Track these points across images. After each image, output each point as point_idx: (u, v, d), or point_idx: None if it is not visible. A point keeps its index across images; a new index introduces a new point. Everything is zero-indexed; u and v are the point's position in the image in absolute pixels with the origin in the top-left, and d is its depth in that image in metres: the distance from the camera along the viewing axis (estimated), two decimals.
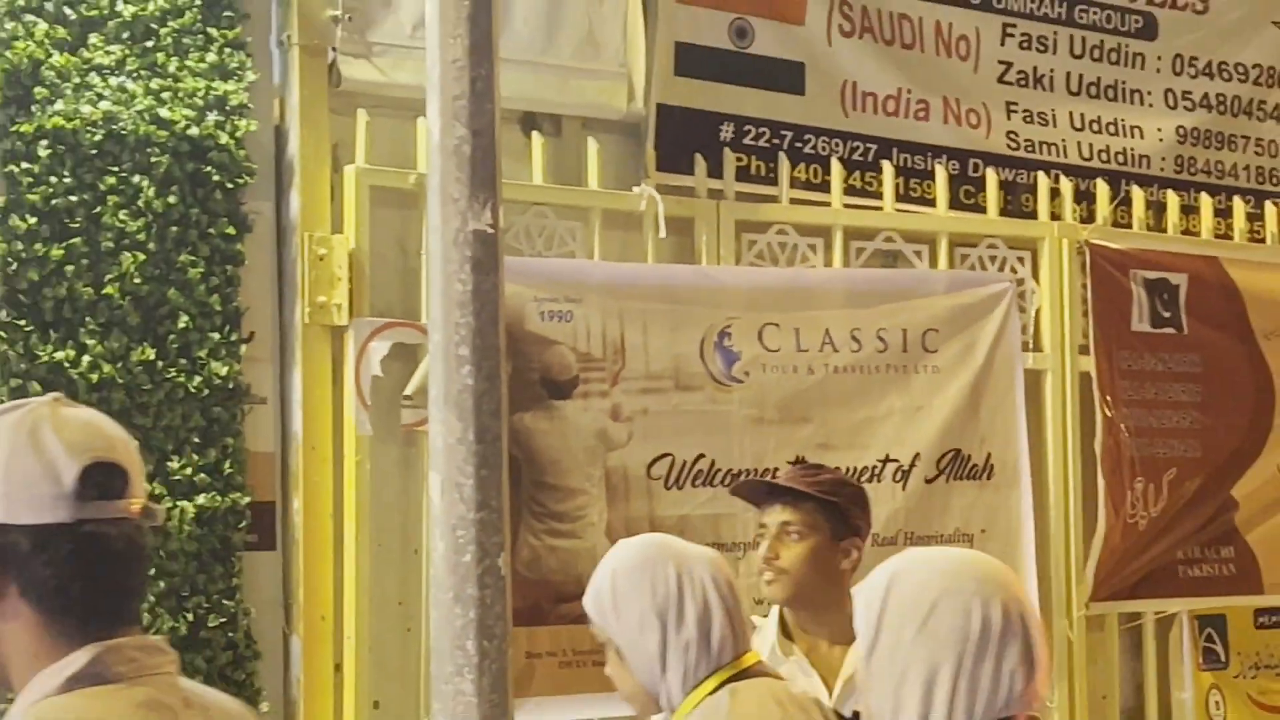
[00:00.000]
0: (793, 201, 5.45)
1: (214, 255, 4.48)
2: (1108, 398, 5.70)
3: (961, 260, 5.65)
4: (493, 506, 2.48)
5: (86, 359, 4.28)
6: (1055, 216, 5.88)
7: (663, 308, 4.97)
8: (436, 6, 2.55)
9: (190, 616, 4.36)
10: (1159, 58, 6.38)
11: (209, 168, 4.48)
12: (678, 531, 4.76)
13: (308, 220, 4.64)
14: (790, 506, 3.90)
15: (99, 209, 4.34)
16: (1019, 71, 6.07)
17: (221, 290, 4.49)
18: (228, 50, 4.58)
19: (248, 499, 4.49)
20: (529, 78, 5.03)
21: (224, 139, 4.49)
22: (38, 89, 4.32)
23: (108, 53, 4.44)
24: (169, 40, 4.52)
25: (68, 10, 4.43)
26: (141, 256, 4.37)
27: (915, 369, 5.31)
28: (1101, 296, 5.75)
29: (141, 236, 4.37)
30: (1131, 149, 6.28)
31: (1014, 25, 6.06)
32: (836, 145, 5.61)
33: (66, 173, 4.31)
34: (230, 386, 4.48)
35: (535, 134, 5.05)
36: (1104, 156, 6.21)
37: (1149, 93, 6.36)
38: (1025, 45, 6.08)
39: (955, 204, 5.76)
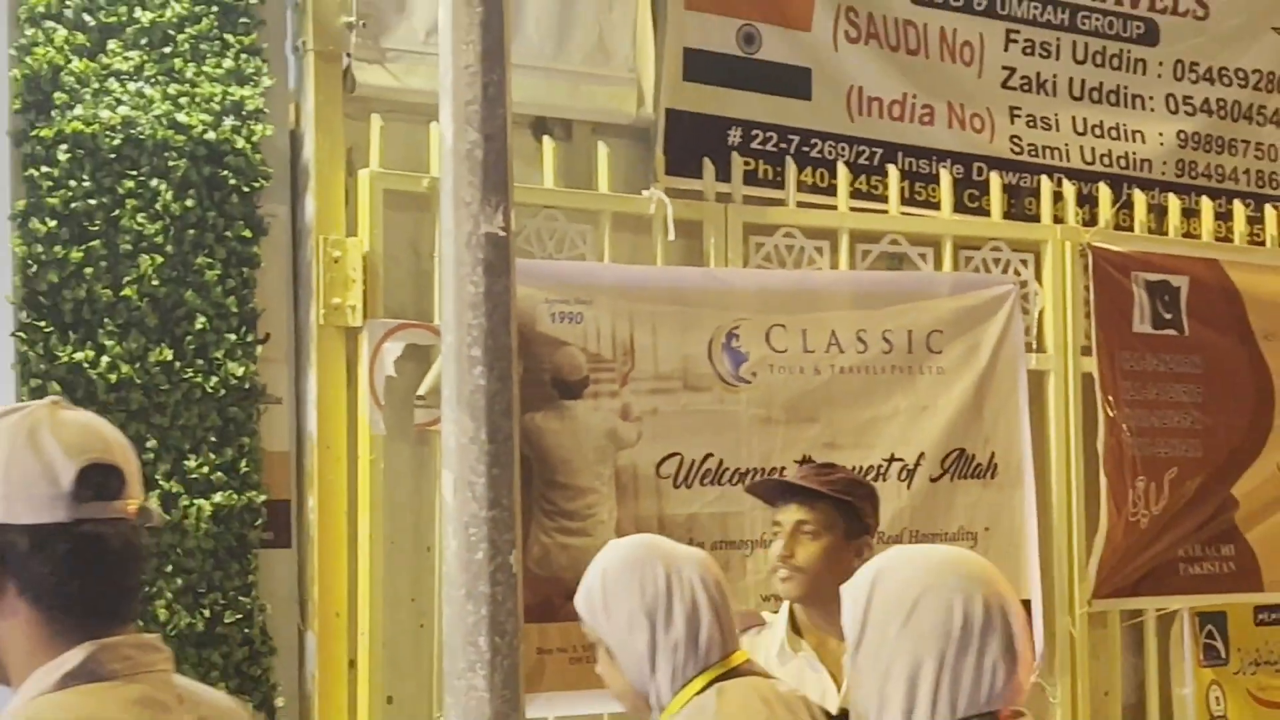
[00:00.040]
0: (799, 205, 5.46)
1: (230, 258, 4.49)
2: (1110, 398, 5.71)
3: (965, 263, 5.66)
4: (504, 505, 2.52)
5: (105, 360, 4.28)
6: (1058, 219, 5.89)
7: (672, 309, 4.98)
8: (449, 13, 2.58)
9: (207, 613, 4.37)
10: (1160, 63, 6.39)
11: (225, 172, 4.48)
12: (686, 529, 4.84)
13: (323, 223, 4.65)
14: (805, 505, 3.95)
15: (117, 212, 4.34)
16: (1022, 77, 6.07)
17: (238, 292, 4.50)
18: (244, 56, 4.57)
19: (263, 497, 4.50)
20: (540, 83, 5.05)
21: (240, 143, 4.49)
22: (57, 94, 4.32)
23: (126, 58, 4.44)
24: (186, 46, 4.51)
25: (87, 17, 4.42)
26: (159, 259, 4.37)
27: (920, 370, 5.32)
28: (1103, 298, 5.76)
29: (159, 239, 4.38)
30: (1133, 153, 6.30)
31: (1017, 31, 6.06)
32: (842, 149, 5.62)
33: (85, 176, 4.31)
34: (246, 387, 4.49)
35: (546, 138, 5.07)
36: (1106, 160, 6.22)
37: (1150, 98, 6.37)
38: (1028, 51, 6.09)
39: (959, 207, 5.77)
